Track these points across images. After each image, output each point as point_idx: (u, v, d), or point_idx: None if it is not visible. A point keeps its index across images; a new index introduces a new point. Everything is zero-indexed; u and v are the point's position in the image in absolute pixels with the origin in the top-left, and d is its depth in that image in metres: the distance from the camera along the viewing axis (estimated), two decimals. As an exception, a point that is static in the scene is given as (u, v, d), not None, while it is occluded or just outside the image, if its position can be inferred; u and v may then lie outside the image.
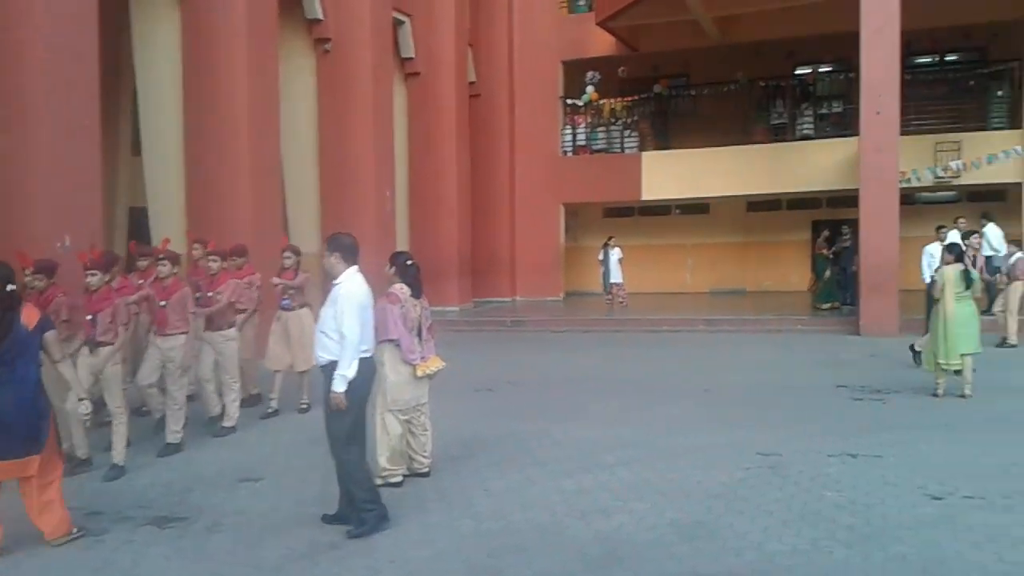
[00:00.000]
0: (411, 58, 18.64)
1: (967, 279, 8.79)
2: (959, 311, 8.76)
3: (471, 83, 20.64)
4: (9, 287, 5.09)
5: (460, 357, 13.52)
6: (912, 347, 10.61)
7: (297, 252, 9.08)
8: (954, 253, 9.08)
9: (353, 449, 5.26)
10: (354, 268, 5.33)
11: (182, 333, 7.54)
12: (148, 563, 4.90)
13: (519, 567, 4.67)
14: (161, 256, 7.74)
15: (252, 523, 5.52)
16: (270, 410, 8.88)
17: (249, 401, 9.15)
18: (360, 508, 5.23)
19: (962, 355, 8.76)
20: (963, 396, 8.79)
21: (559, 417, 8.47)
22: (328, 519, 5.43)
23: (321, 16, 15.42)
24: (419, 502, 5.84)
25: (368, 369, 5.31)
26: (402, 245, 18.11)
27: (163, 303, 7.49)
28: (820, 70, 21.30)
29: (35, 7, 9.00)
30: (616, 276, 19.04)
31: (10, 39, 8.96)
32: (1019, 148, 17.34)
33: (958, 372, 8.82)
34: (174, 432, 7.43)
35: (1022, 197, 18.12)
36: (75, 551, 5.11)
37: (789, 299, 18.98)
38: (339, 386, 5.09)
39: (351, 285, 5.24)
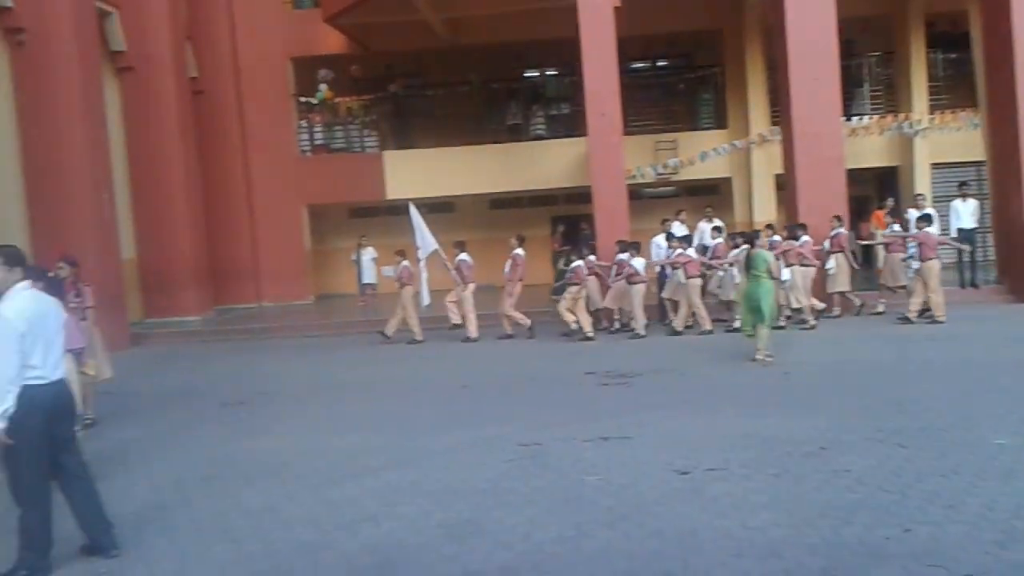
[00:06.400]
0: (122, 51, 17.06)
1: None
2: None
3: (193, 78, 19.23)
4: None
5: (205, 369, 12.75)
6: None
7: (73, 263, 8.67)
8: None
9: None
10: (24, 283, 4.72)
11: None
12: None
13: (285, 590, 4.39)
14: None
15: None
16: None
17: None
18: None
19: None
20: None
21: (318, 427, 8.17)
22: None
23: (10, 3, 13.91)
24: (166, 528, 5.35)
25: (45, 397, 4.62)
26: (128, 253, 16.70)
27: None
28: (547, 73, 22.29)
29: None
30: (369, 276, 18.69)
31: None
32: (726, 146, 19.25)
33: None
34: None
35: (732, 190, 20.14)
36: None
37: (528, 293, 19.57)
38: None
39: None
